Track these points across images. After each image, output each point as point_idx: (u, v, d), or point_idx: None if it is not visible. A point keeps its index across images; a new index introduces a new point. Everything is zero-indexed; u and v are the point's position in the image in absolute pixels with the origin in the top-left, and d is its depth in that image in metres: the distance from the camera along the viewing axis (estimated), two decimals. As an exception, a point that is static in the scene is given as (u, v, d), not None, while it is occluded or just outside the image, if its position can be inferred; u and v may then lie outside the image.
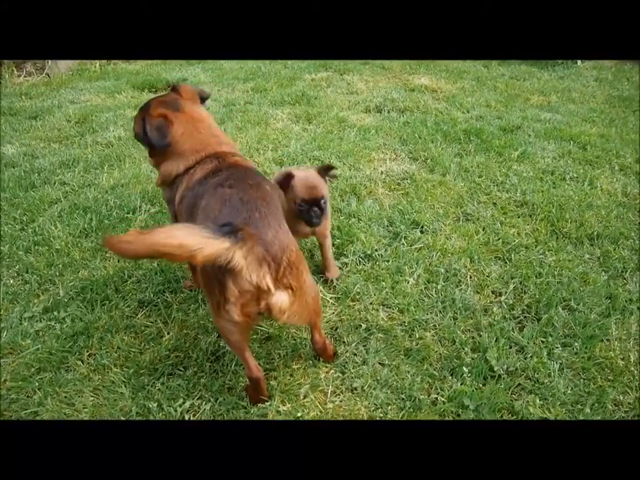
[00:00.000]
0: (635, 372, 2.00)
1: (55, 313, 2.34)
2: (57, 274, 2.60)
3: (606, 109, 4.97)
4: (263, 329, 2.23)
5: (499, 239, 2.78)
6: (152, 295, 2.45)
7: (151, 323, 2.31)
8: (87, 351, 2.16)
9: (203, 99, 2.17)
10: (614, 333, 2.17)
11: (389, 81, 5.95)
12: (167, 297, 2.45)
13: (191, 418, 1.86)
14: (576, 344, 2.12)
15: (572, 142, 4.07)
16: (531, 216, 3.03)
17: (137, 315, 2.36)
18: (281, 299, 1.60)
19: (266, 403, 1.90)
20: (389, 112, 4.89)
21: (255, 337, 2.20)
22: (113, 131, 4.41)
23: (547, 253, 2.68)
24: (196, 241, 1.35)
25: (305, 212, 2.21)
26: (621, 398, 1.91)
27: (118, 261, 2.69)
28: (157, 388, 1.96)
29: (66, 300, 2.42)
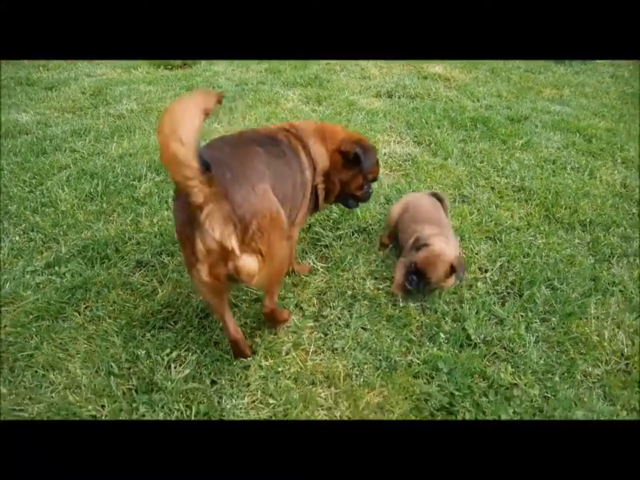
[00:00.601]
0: (607, 347, 2.06)
1: (56, 268, 2.44)
2: (61, 233, 2.70)
3: (617, 105, 4.96)
4: (253, 290, 2.31)
5: (492, 220, 2.83)
6: (150, 257, 2.54)
7: (147, 281, 2.40)
8: (84, 304, 2.26)
9: None
10: (592, 312, 2.22)
11: (403, 68, 5.97)
12: (164, 259, 2.54)
13: (177, 367, 1.95)
14: (554, 319, 2.17)
15: (578, 134, 4.08)
16: (526, 201, 3.07)
17: (134, 274, 2.45)
18: (248, 262, 1.60)
19: (249, 358, 1.98)
20: (399, 98, 4.93)
21: (244, 297, 2.28)
22: (126, 104, 4.52)
23: (537, 235, 2.73)
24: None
25: None
26: (590, 370, 1.96)
27: (120, 224, 2.79)
28: (146, 338, 2.06)
29: (67, 257, 2.53)
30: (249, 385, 1.90)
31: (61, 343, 2.05)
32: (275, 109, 4.55)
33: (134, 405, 1.79)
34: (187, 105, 1.41)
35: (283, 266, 1.89)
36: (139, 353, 1.97)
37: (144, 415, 1.75)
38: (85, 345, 2.05)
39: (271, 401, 1.84)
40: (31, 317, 2.16)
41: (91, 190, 3.08)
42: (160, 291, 2.34)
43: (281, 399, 1.84)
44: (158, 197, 3.07)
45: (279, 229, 1.71)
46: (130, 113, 4.31)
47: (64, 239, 2.66)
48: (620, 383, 1.93)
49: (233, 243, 1.54)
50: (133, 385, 1.87)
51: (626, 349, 2.06)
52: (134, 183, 3.20)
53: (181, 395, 1.83)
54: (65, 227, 2.75)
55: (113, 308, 2.23)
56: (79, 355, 2.00)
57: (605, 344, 2.08)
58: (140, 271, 2.48)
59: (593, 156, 3.71)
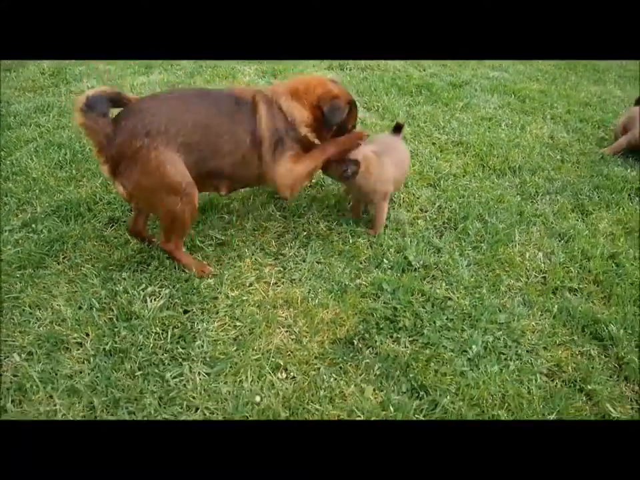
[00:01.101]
0: (528, 265, 2.39)
1: (33, 226, 2.61)
2: (34, 197, 2.87)
3: (551, 70, 5.35)
4: (217, 236, 2.55)
5: (432, 170, 3.14)
6: (121, 213, 2.75)
7: (120, 234, 2.61)
8: (62, 254, 2.45)
9: None
10: (517, 239, 2.56)
11: (354, 43, 6.21)
12: (134, 215, 2.75)
13: (153, 301, 2.18)
14: (484, 246, 2.50)
15: (513, 95, 4.44)
16: (464, 153, 3.40)
17: (107, 229, 2.65)
18: (119, 189, 2.09)
19: (216, 291, 2.23)
20: (350, 70, 5.19)
21: (210, 242, 2.52)
22: (87, 82, 4.63)
23: (472, 180, 3.06)
24: None
25: None
26: (513, 283, 2.30)
27: (90, 188, 2.98)
28: (123, 277, 2.27)
29: (43, 216, 2.70)
30: (217, 312, 2.15)
31: (44, 287, 2.25)
32: (232, 83, 4.74)
33: (115, 329, 2.02)
34: None
35: (160, 209, 2.18)
36: (117, 289, 2.19)
37: (125, 337, 1.98)
38: (67, 287, 2.25)
39: (237, 324, 2.10)
40: (13, 266, 2.35)
41: (60, 159, 3.23)
42: (133, 242, 2.55)
43: (247, 321, 2.10)
44: (124, 163, 3.25)
45: (156, 178, 2.05)
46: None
47: (38, 202, 2.83)
48: (537, 291, 2.27)
49: (105, 173, 2.07)
50: (113, 315, 2.09)
51: (543, 265, 2.41)
52: (100, 151, 3.37)
53: (158, 321, 2.07)
54: (37, 191, 2.91)
55: (89, 256, 2.43)
56: (62, 295, 2.20)
57: (526, 262, 2.42)
58: (113, 226, 2.68)
59: (526, 114, 4.07)
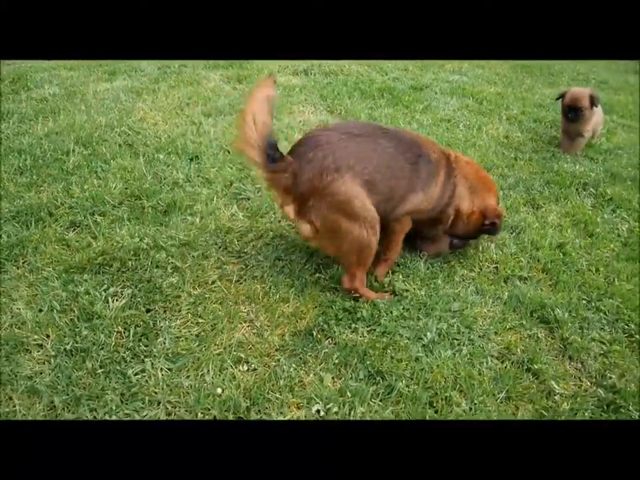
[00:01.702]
0: (481, 256, 2.50)
1: (-8, 232, 2.61)
2: (-7, 203, 2.85)
3: (508, 74, 5.55)
4: (180, 236, 2.58)
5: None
6: (83, 217, 2.75)
7: (82, 238, 2.62)
8: (22, 259, 2.45)
9: None
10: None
11: (318, 49, 6.32)
12: (97, 219, 2.76)
13: (115, 301, 2.20)
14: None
15: (472, 98, 4.60)
16: (423, 152, 3.50)
17: (68, 233, 2.65)
18: (305, 230, 2.11)
19: (178, 290, 2.26)
20: (315, 75, 5.28)
21: (173, 242, 2.55)
22: (48, 88, 4.61)
23: (430, 178, 3.15)
24: None
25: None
26: (467, 273, 2.40)
27: (52, 193, 2.97)
28: (84, 279, 2.29)
29: (2, 221, 2.69)
30: (180, 310, 2.18)
31: (4, 291, 2.24)
32: (197, 89, 4.78)
33: (76, 330, 2.03)
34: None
35: (347, 243, 2.11)
36: (78, 290, 2.20)
37: (86, 337, 2.00)
38: (27, 291, 2.25)
39: (200, 321, 2.13)
40: (-31, 272, 2.33)
41: (20, 164, 3.22)
42: (95, 244, 2.56)
43: (209, 318, 2.14)
44: (87, 167, 3.26)
45: (345, 212, 2.03)
46: (53, 97, 4.41)
47: (-3, 208, 2.81)
48: (489, 280, 2.37)
49: (290, 215, 2.09)
50: (74, 316, 2.10)
51: (495, 255, 2.51)
52: (62, 157, 3.36)
53: (120, 320, 2.09)
54: (-4, 197, 2.90)
55: (50, 260, 2.44)
56: (22, 299, 2.20)
57: (480, 254, 2.52)
58: (74, 230, 2.69)
59: (483, 115, 4.22)
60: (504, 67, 5.78)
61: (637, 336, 2.11)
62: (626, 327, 2.16)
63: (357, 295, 2.22)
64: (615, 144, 3.96)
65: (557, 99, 3.65)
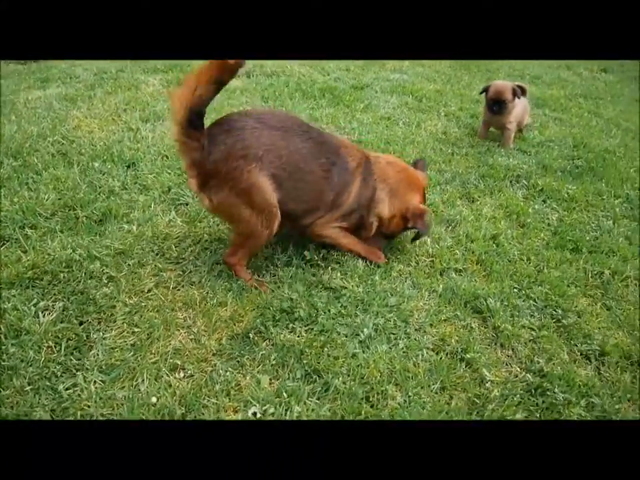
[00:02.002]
0: (418, 250, 2.54)
1: None
2: None
3: (448, 71, 5.68)
4: (116, 245, 2.52)
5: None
6: (12, 231, 2.65)
7: (11, 252, 2.52)
8: (-57, 277, 2.34)
9: None
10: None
11: (261, 51, 6.30)
12: (27, 232, 2.66)
13: (45, 316, 2.13)
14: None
15: (411, 95, 4.68)
16: (362, 151, 3.54)
17: (-3, 248, 2.55)
18: (205, 202, 2.16)
19: (113, 300, 2.21)
20: (257, 76, 5.26)
21: (108, 252, 2.49)
22: (-24, 98, 4.42)
23: (368, 176, 3.19)
24: None
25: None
26: (403, 268, 2.43)
27: (-22, 206, 2.85)
28: (12, 295, 2.20)
29: None
30: (115, 320, 2.13)
31: None
32: (135, 94, 4.69)
33: (3, 347, 1.95)
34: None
35: (240, 227, 2.22)
36: (5, 307, 2.12)
37: (13, 354, 1.92)
38: (-54, 309, 2.15)
39: (135, 330, 2.09)
40: None
41: (-58, 180, 3.08)
42: (24, 258, 2.47)
43: (145, 327, 2.10)
44: (17, 179, 3.14)
45: (243, 199, 2.08)
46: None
47: None
48: (425, 274, 2.42)
49: (192, 187, 2.13)
50: (1, 333, 2.02)
51: (431, 249, 2.56)
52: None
53: (50, 335, 2.02)
54: None
55: (-27, 276, 2.34)
56: (-60, 318, 2.11)
57: (416, 248, 2.57)
58: (3, 245, 2.58)
59: (422, 112, 4.31)
60: (443, 65, 5.91)
61: (564, 320, 2.19)
62: (554, 312, 2.24)
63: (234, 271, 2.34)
64: (547, 137, 4.12)
65: (482, 92, 3.77)
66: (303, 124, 2.27)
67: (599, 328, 2.19)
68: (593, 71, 6.60)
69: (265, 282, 2.35)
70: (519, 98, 3.62)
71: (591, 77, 6.32)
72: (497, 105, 3.59)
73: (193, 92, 1.91)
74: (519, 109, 3.77)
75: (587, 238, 2.78)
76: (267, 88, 4.84)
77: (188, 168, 2.09)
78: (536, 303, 2.29)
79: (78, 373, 1.87)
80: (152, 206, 2.88)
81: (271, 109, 2.30)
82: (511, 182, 3.31)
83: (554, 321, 2.21)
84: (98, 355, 1.95)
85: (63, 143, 3.60)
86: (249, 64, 5.59)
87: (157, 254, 2.51)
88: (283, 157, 2.10)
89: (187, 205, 2.91)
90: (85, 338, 2.03)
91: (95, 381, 1.85)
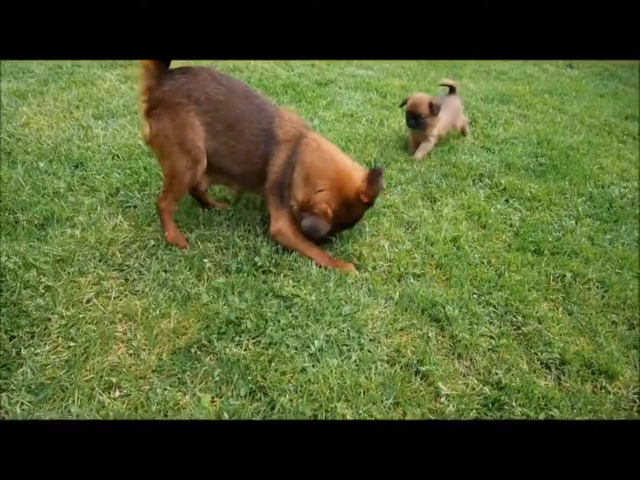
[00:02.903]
0: (375, 255, 2.44)
1: None
2: None
3: (414, 67, 5.59)
4: (55, 251, 2.36)
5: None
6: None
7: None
8: None
9: None
10: (367, 230, 2.60)
11: (225, 45, 6.13)
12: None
13: (-28, 330, 1.97)
14: (335, 242, 2.52)
15: (376, 92, 4.57)
16: (323, 149, 3.42)
17: None
18: (145, 130, 2.32)
19: (49, 311, 2.05)
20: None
21: (47, 259, 2.33)
22: None
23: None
24: None
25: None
26: (358, 274, 2.33)
27: None
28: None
29: None
30: (49, 334, 1.98)
31: None
32: (90, 90, 4.48)
33: None
34: None
35: (168, 163, 2.37)
36: None
37: None
38: None
39: (71, 344, 1.94)
40: None
41: None
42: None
43: (81, 341, 1.95)
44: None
45: (176, 135, 2.28)
46: None
47: None
48: (382, 280, 2.32)
49: (141, 110, 2.32)
50: None
51: (389, 254, 2.46)
52: None
53: (-27, 354, 1.87)
54: None
55: None
56: None
57: (374, 253, 2.47)
58: None
59: (386, 109, 4.21)
60: (409, 61, 5.82)
61: (524, 328, 2.12)
62: (514, 319, 2.17)
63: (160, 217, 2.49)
64: (512, 133, 4.06)
65: (401, 105, 3.58)
66: (250, 90, 2.45)
67: (560, 334, 2.13)
68: (559, 66, 6.60)
69: (185, 240, 2.48)
70: (435, 114, 3.39)
71: (557, 72, 6.31)
72: (413, 120, 3.40)
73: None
74: (447, 118, 3.59)
75: (549, 239, 2.71)
76: (228, 83, 4.68)
77: (142, 92, 2.26)
78: (496, 309, 2.21)
79: (2, 395, 1.72)
80: (98, 209, 2.72)
81: (227, 75, 2.36)
82: (473, 181, 3.24)
83: (514, 328, 2.14)
84: (27, 373, 1.81)
85: (8, 141, 3.40)
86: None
87: (100, 260, 2.36)
88: (220, 110, 2.28)
89: (135, 207, 2.76)
90: (15, 355, 1.88)
91: (21, 402, 1.70)
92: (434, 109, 3.34)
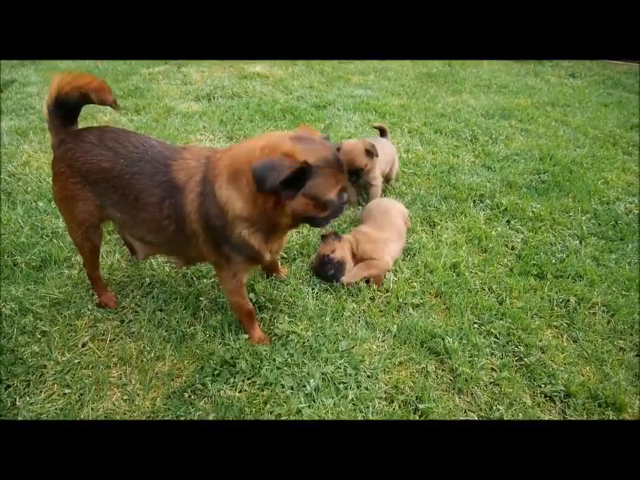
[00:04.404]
0: (374, 287, 2.40)
1: None
2: None
3: (413, 84, 5.57)
4: (52, 294, 2.36)
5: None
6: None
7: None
8: None
9: None
10: (364, 259, 2.56)
11: (225, 70, 6.19)
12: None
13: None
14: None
15: (374, 112, 4.56)
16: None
17: None
18: None
19: (44, 358, 2.04)
20: (217, 99, 5.13)
21: (43, 302, 2.32)
22: None
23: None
24: None
25: None
26: (356, 307, 2.29)
27: None
28: None
29: None
30: (45, 381, 1.97)
31: None
32: (91, 124, 4.52)
33: None
34: None
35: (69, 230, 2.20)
36: None
37: None
38: None
39: (67, 391, 1.93)
40: None
41: None
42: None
43: (76, 387, 1.93)
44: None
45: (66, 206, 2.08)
46: None
47: None
48: (379, 312, 2.28)
49: None
50: None
51: (387, 283, 2.42)
52: None
53: (-32, 405, 1.86)
54: None
55: None
56: None
57: (373, 286, 2.42)
58: None
59: (385, 130, 4.17)
60: (409, 78, 5.81)
61: (526, 359, 2.05)
62: (516, 349, 2.11)
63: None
64: (513, 150, 4.00)
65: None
66: (142, 143, 1.96)
67: (565, 364, 2.06)
68: (561, 76, 6.54)
69: (114, 299, 2.36)
70: (376, 156, 3.00)
71: (559, 82, 6.25)
72: (354, 176, 3.01)
73: (62, 87, 1.90)
74: (384, 156, 3.18)
75: (552, 261, 2.65)
76: (226, 111, 4.70)
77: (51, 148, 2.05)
78: (497, 339, 2.15)
79: (-5, 448, 1.69)
80: (95, 247, 2.71)
81: (123, 129, 2.03)
82: (474, 202, 3.19)
83: (516, 359, 2.08)
84: (21, 424, 1.78)
85: (8, 181, 3.44)
86: (210, 86, 5.47)
87: (96, 302, 2.35)
88: (108, 180, 1.92)
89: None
90: (10, 405, 1.87)
91: (14, 456, 1.67)
92: (372, 152, 2.96)
